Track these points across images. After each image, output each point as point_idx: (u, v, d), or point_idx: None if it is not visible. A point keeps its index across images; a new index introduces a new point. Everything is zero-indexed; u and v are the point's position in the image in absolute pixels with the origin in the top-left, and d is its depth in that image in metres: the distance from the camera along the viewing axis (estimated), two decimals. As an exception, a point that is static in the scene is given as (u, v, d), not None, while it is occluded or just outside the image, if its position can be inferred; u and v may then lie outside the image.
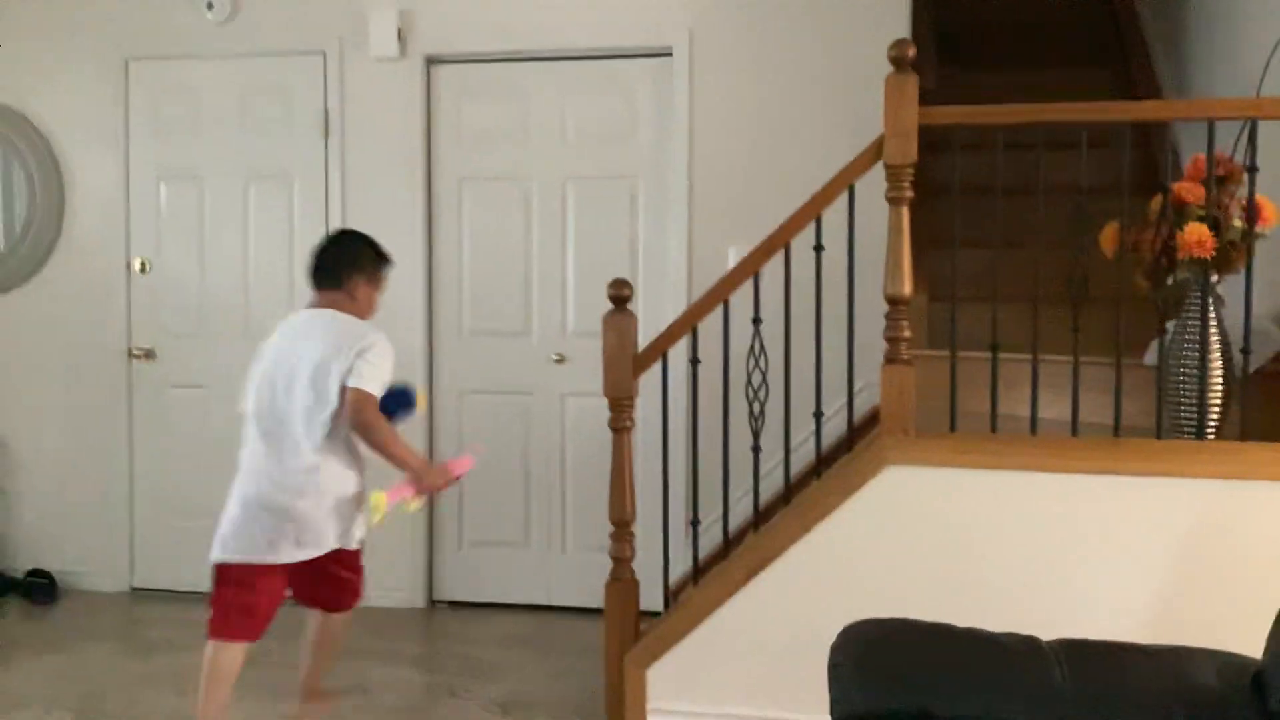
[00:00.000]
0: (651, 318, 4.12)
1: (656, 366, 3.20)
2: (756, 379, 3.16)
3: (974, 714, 1.66)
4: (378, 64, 4.50)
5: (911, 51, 2.95)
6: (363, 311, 3.03)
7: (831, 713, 1.75)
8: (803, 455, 3.68)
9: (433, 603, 4.62)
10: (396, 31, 4.44)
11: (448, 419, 4.58)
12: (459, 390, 4.58)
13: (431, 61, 4.52)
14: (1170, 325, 2.98)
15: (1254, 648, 1.79)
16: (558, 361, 4.48)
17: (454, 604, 4.60)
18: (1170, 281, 2.92)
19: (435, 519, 4.61)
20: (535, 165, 4.50)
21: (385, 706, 3.52)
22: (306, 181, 4.60)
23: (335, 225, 4.47)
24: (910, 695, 1.69)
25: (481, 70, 4.52)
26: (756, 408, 3.15)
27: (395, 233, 4.46)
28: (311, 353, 2.87)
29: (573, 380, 4.46)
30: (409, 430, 3.48)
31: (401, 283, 4.48)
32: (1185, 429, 2.88)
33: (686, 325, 3.18)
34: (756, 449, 3.18)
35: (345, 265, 3.04)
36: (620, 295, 3.14)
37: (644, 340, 3.23)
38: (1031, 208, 2.98)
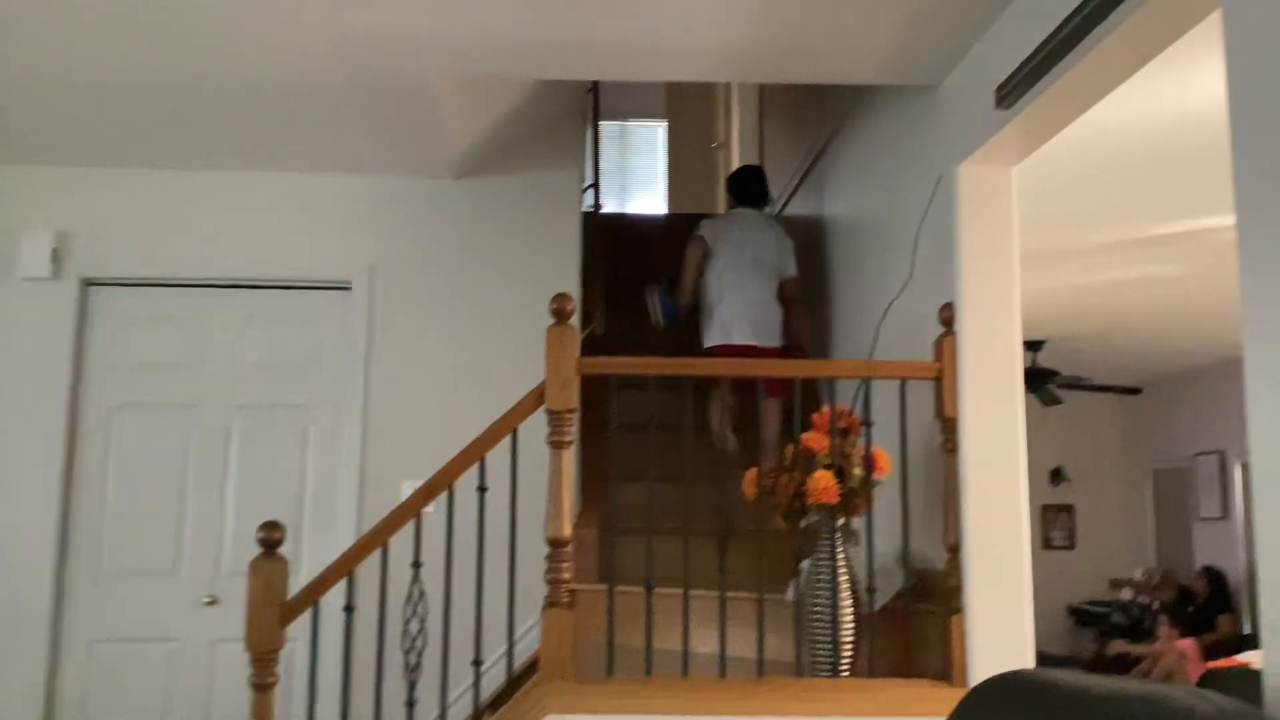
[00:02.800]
0: (319, 556, 3.93)
1: (308, 614, 3.02)
2: (415, 626, 3.04)
3: None
4: (26, 284, 4.20)
5: (571, 305, 3.12)
6: None
7: None
8: (462, 708, 3.55)
9: None
10: (51, 251, 4.19)
11: (71, 676, 4.07)
12: (88, 640, 4.10)
13: (89, 284, 4.28)
14: (806, 563, 3.18)
15: None
16: (209, 604, 4.14)
17: None
18: (803, 523, 3.14)
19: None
20: (202, 394, 4.30)
21: None
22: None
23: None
24: None
25: (148, 294, 4.32)
26: (413, 658, 3.02)
27: (27, 465, 4.08)
28: None
29: (225, 625, 4.11)
30: None
31: (28, 522, 4.05)
32: (821, 667, 3.03)
33: (342, 570, 3.04)
34: (411, 703, 3.02)
35: None
36: (270, 539, 2.97)
37: (307, 580, 3.05)
38: (683, 446, 3.16)
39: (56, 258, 4.22)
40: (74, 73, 3.42)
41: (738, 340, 4.41)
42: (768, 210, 4.95)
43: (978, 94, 3.03)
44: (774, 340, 4.49)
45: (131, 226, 4.29)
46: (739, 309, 4.45)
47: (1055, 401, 7.29)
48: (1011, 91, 2.77)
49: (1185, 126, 3.50)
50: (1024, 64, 2.68)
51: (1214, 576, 7.93)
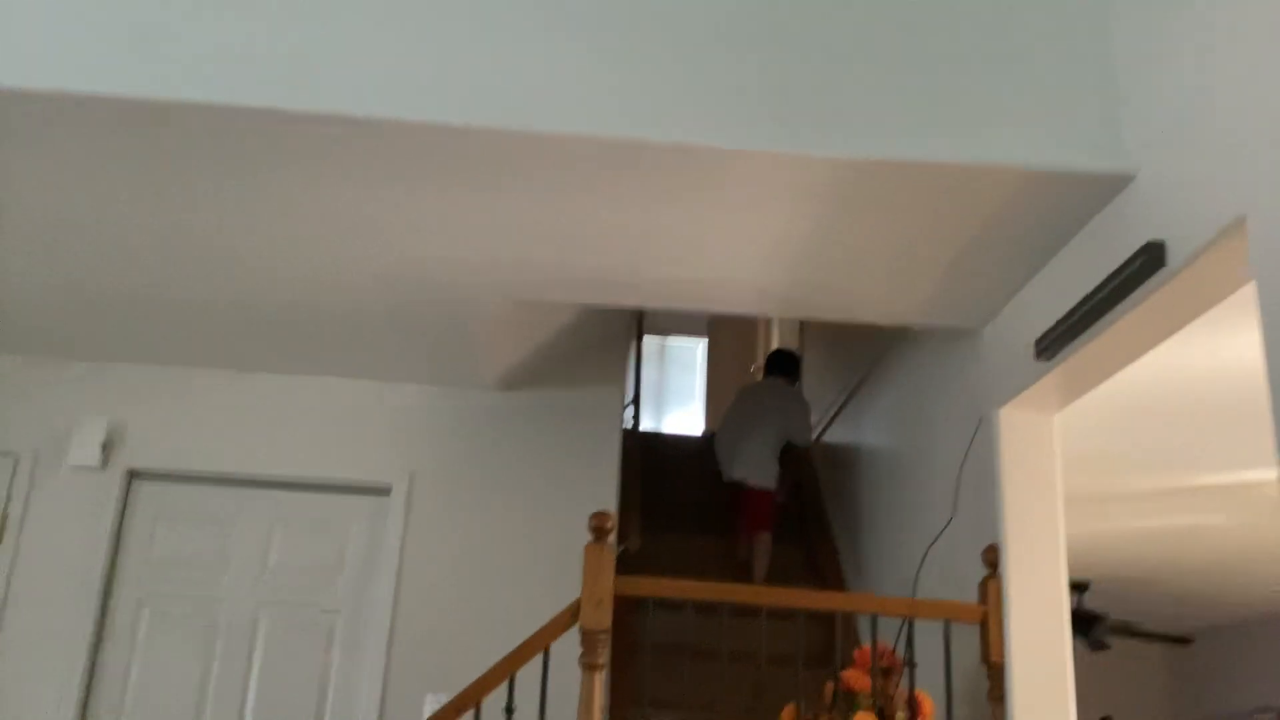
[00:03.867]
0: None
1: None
2: None
3: None
4: (75, 472, 4.29)
5: (610, 523, 3.14)
6: None
7: None
8: None
9: None
10: (102, 442, 4.30)
11: None
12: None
13: (134, 476, 4.36)
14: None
15: None
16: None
17: None
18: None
19: None
20: (229, 593, 4.26)
21: None
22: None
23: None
24: None
25: (186, 490, 4.36)
26: None
27: (52, 656, 4.03)
28: None
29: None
30: None
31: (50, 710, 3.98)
32: None
33: (360, 788, 2.95)
34: None
35: None
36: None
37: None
38: (719, 673, 3.08)
39: (106, 448, 4.32)
40: (133, 286, 3.61)
41: (731, 476, 5.21)
42: (796, 385, 5.66)
43: (1018, 342, 3.12)
44: (767, 482, 5.13)
45: (179, 422, 4.37)
46: (734, 451, 5.23)
47: (1103, 647, 7.03)
48: (1050, 345, 2.85)
49: (1222, 382, 3.55)
50: (1061, 320, 2.77)
51: None
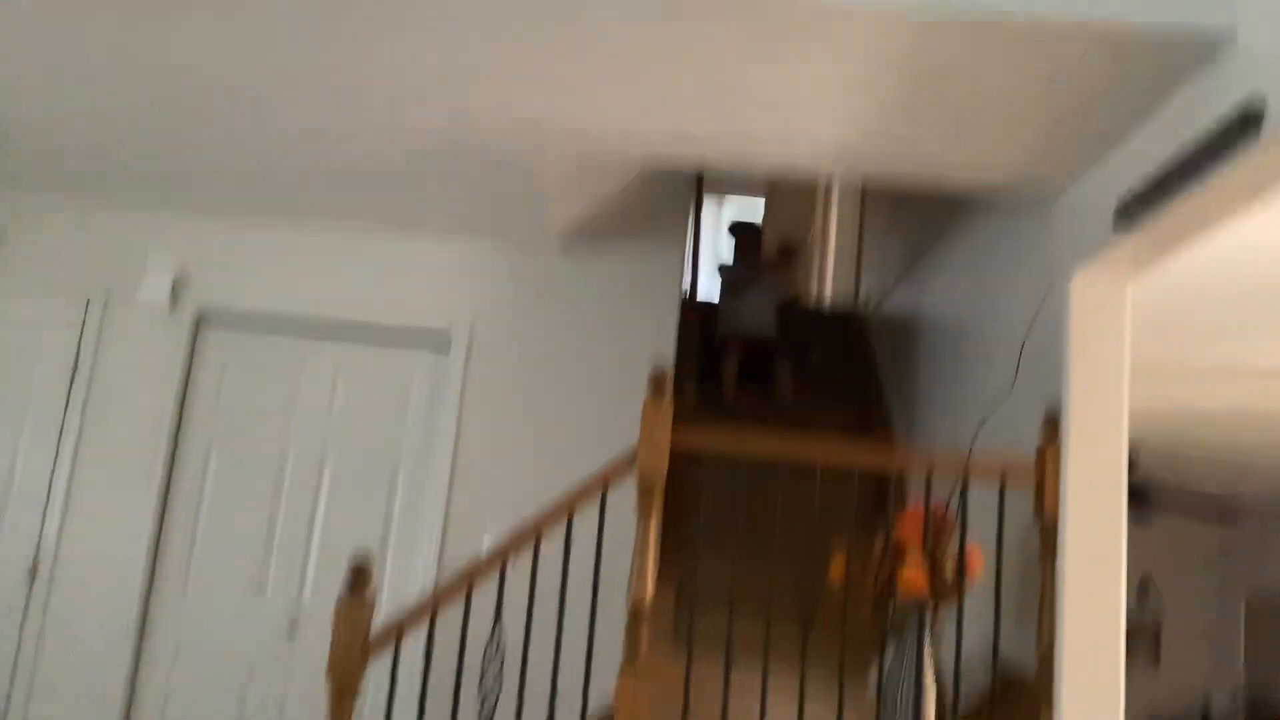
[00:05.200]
0: (397, 599, 3.99)
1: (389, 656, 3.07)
2: (490, 676, 3.07)
3: None
4: (145, 311, 4.40)
5: (669, 378, 3.17)
6: None
7: None
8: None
9: None
10: (172, 282, 4.39)
11: (156, 680, 4.19)
12: (171, 654, 4.23)
13: (202, 319, 4.47)
14: (891, 654, 3.14)
15: None
16: (289, 631, 4.23)
17: None
18: (890, 615, 3.11)
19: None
20: (295, 438, 4.41)
21: None
22: (41, 418, 4.33)
23: (66, 463, 4.21)
24: None
25: (253, 339, 4.48)
26: (489, 705, 3.04)
27: (125, 493, 4.22)
28: None
29: (307, 653, 4.19)
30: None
31: (124, 537, 4.21)
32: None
33: (424, 612, 3.09)
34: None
35: None
36: (361, 573, 3.04)
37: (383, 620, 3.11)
38: (770, 526, 3.16)
39: (176, 288, 4.42)
40: (196, 132, 3.63)
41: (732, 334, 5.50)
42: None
43: (1096, 208, 3.04)
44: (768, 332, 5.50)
45: (245, 268, 4.47)
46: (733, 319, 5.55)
47: (1149, 520, 7.09)
48: (1132, 209, 2.78)
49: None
50: (1148, 185, 2.69)
51: None
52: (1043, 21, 2.46)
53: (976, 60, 2.64)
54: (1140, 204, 2.72)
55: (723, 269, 5.84)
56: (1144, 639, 8.86)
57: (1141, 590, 8.67)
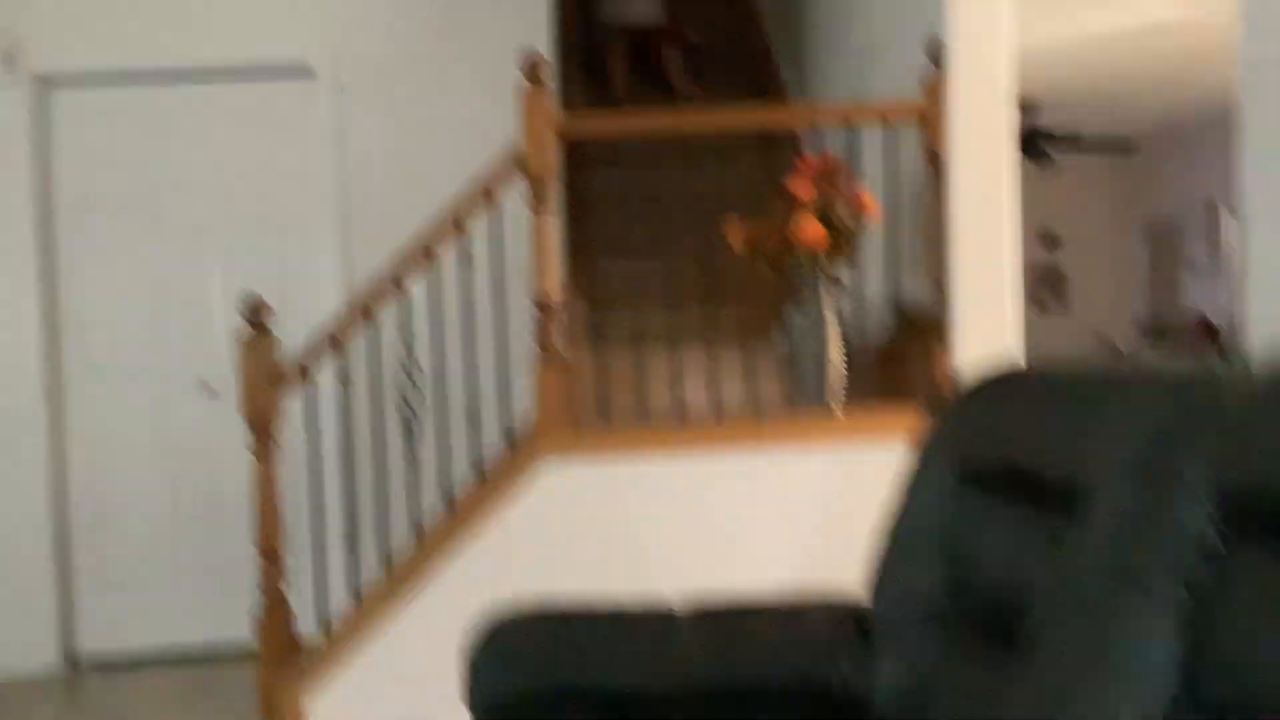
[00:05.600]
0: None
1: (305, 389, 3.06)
2: (408, 395, 3.09)
3: (606, 684, 1.68)
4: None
5: (542, 64, 3.01)
6: None
7: (468, 705, 1.71)
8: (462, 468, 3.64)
9: (74, 663, 4.16)
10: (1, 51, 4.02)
11: (78, 472, 4.19)
12: (88, 436, 4.20)
13: (45, 81, 4.12)
14: (795, 311, 3.20)
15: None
16: (206, 393, 4.20)
17: (100, 666, 4.17)
18: (789, 271, 3.14)
19: (70, 562, 4.18)
20: (172, 192, 4.21)
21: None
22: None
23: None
24: (541, 674, 1.68)
25: (105, 95, 4.17)
26: (411, 420, 3.08)
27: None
28: None
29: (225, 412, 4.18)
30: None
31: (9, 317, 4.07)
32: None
33: (330, 341, 3.06)
34: (414, 461, 3.10)
35: None
36: (256, 313, 2.97)
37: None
38: (669, 217, 3.12)
39: (7, 55, 4.05)
40: None
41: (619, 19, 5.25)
42: None
43: None
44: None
45: (84, 20, 4.10)
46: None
47: (1045, 158, 7.19)
48: None
49: None
50: None
51: (1209, 328, 8.06)
52: None
53: None
54: None
55: None
56: (1052, 283, 9.23)
57: (1047, 238, 8.95)
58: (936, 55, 3.04)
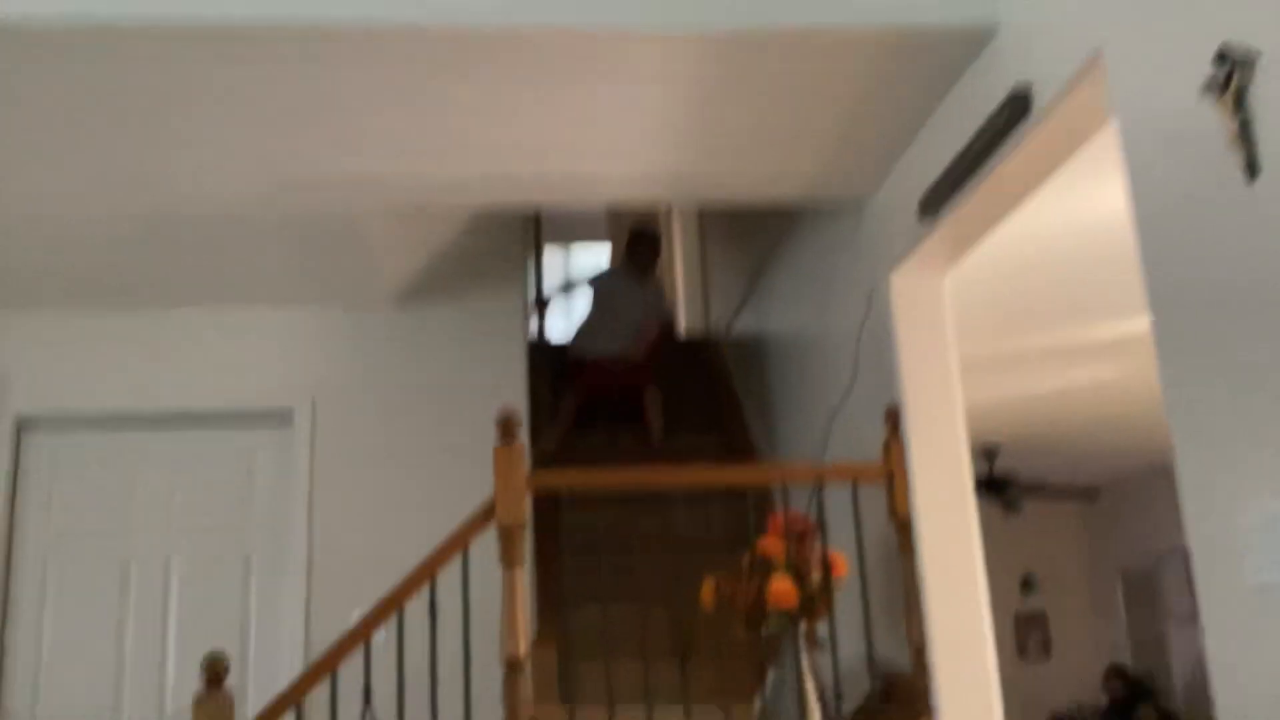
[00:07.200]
0: (265, 691, 3.80)
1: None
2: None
3: None
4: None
5: (517, 421, 3.14)
6: None
7: None
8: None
9: None
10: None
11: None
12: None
13: (23, 423, 4.23)
14: (771, 672, 3.14)
15: None
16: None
17: None
18: (765, 632, 3.11)
19: None
20: (138, 537, 4.21)
21: None
22: None
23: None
24: None
25: (80, 436, 4.27)
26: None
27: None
28: None
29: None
30: None
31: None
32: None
33: (289, 700, 2.96)
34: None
35: None
36: (215, 671, 2.89)
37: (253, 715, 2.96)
38: (640, 563, 3.14)
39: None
40: (6, 212, 3.43)
41: (599, 352, 5.25)
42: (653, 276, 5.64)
43: (903, 206, 3.16)
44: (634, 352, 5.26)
45: (66, 364, 4.25)
46: (605, 333, 5.30)
47: (1016, 508, 7.33)
48: (932, 203, 2.89)
49: (1100, 232, 3.64)
50: (941, 178, 2.81)
51: (1122, 673, 8.07)
52: (818, 30, 2.55)
53: (758, 71, 2.71)
54: (938, 197, 2.83)
55: (597, 278, 5.60)
56: (1033, 631, 9.10)
57: (1024, 585, 8.93)
58: (895, 418, 3.19)
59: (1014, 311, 4.57)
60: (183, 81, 2.63)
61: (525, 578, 3.12)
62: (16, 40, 2.43)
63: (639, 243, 5.55)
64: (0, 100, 2.69)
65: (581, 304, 5.58)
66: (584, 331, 5.44)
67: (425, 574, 3.07)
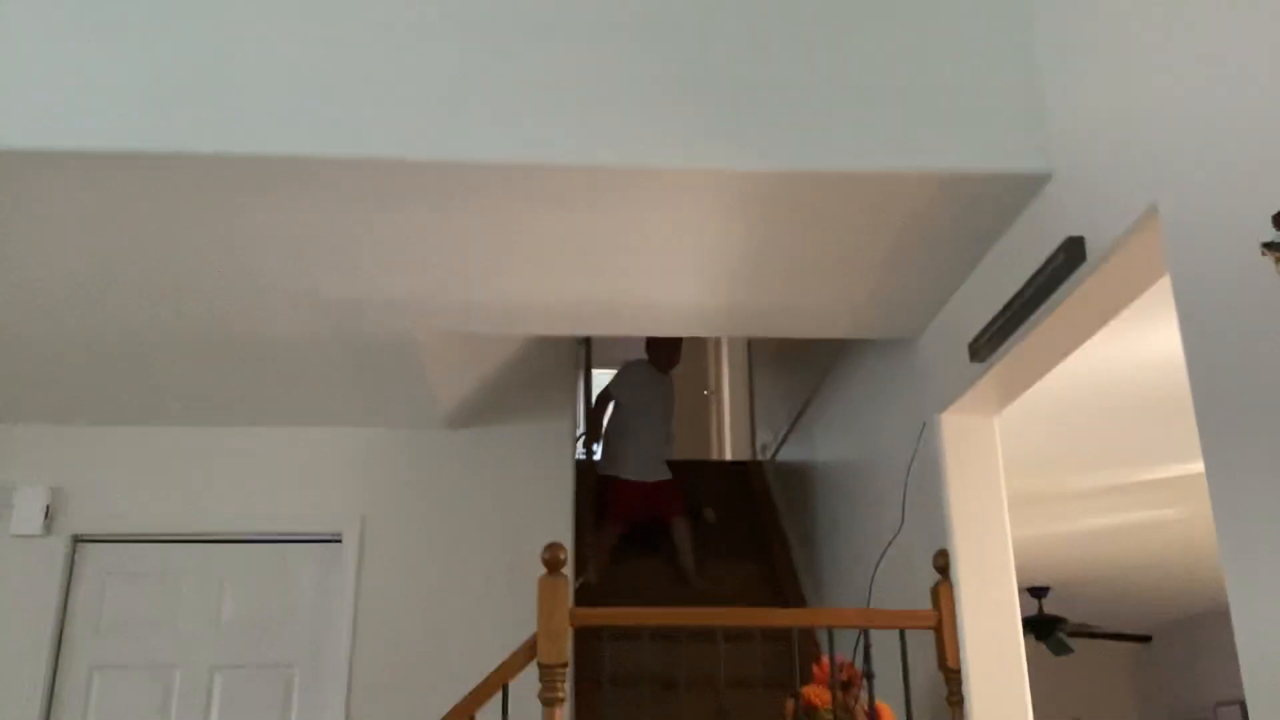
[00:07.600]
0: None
1: None
2: None
3: None
4: (18, 540, 4.18)
5: (563, 555, 3.11)
6: None
7: None
8: None
9: None
10: (44, 508, 4.20)
11: None
12: None
13: (79, 540, 4.26)
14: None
15: None
16: None
17: None
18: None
19: None
20: (182, 652, 4.17)
21: None
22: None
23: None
24: None
25: (133, 550, 4.28)
26: None
27: (2, 723, 3.93)
28: None
29: None
30: None
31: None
32: None
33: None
34: None
35: None
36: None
37: None
38: (680, 699, 3.06)
39: (49, 514, 4.23)
40: (66, 331, 3.49)
41: (628, 476, 5.16)
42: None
43: (953, 346, 3.15)
44: (662, 474, 5.17)
45: (124, 483, 4.29)
46: (632, 451, 5.21)
47: (1066, 650, 7.09)
48: (983, 346, 2.88)
49: (1156, 374, 3.60)
50: (992, 322, 2.81)
51: None
52: (868, 173, 2.59)
53: (813, 209, 2.74)
54: (989, 341, 2.82)
55: (622, 371, 5.47)
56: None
57: (1076, 729, 8.58)
58: (944, 567, 3.12)
59: (1065, 451, 4.50)
60: (219, 196, 2.70)
61: (565, 716, 3.05)
62: (80, 167, 2.53)
63: (659, 343, 5.50)
64: (64, 225, 2.78)
65: (608, 411, 5.46)
66: (611, 441, 5.35)
67: (464, 712, 3.01)
